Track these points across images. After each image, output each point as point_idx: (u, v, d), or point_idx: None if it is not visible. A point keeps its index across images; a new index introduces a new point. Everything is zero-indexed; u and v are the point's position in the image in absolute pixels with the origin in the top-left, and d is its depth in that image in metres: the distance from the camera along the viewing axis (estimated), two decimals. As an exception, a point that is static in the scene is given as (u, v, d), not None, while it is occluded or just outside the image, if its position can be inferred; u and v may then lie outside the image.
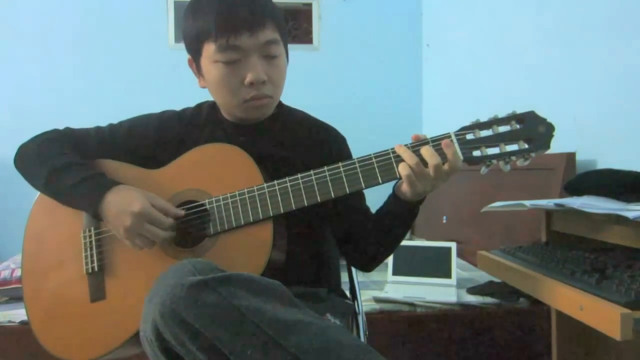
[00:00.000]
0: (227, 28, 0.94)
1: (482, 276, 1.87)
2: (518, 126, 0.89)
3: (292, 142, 1.09)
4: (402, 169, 0.89)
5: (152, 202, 0.95)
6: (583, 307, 0.90)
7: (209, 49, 0.97)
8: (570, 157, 1.73)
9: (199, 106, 1.14)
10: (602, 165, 1.68)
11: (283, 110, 1.11)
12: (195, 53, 1.02)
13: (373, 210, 1.09)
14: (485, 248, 1.40)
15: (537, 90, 2.09)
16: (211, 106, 1.13)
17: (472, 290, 1.77)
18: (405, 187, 0.92)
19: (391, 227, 1.03)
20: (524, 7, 2.22)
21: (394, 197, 0.98)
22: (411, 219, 1.01)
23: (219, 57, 0.97)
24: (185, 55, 1.07)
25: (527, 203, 1.28)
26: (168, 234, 0.96)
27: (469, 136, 0.90)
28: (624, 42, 1.61)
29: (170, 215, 0.97)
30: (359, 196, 1.10)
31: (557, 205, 1.19)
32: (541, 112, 0.90)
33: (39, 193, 1.09)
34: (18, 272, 1.77)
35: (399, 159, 0.90)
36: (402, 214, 0.99)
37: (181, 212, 0.98)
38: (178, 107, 1.16)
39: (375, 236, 1.05)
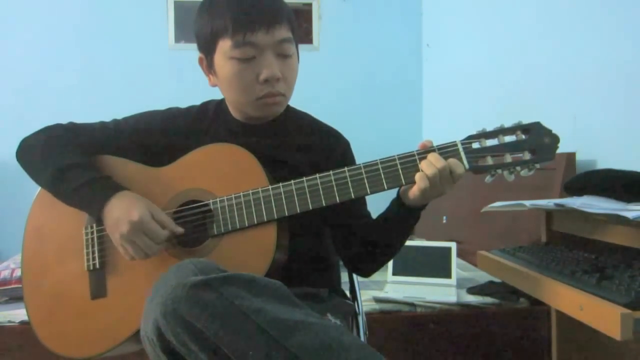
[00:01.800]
0: (244, 24, 0.95)
1: (482, 276, 1.87)
2: (524, 136, 0.90)
3: (297, 144, 1.08)
4: (427, 169, 0.88)
5: (152, 213, 0.94)
6: (583, 307, 0.91)
7: (224, 46, 0.97)
8: (570, 157, 1.73)
9: (206, 104, 1.14)
10: (602, 165, 1.68)
11: (289, 112, 1.11)
12: (208, 50, 1.02)
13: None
14: (485, 248, 1.40)
15: (537, 90, 2.09)
16: (218, 105, 1.12)
17: (472, 290, 1.77)
18: (416, 192, 0.91)
19: (394, 232, 1.03)
20: (523, 6, 2.22)
21: (399, 203, 0.98)
22: (413, 224, 1.01)
23: (235, 54, 0.97)
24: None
25: (527, 203, 1.28)
26: (162, 248, 0.96)
27: (475, 145, 0.90)
28: (624, 42, 1.61)
29: (169, 230, 0.96)
30: (361, 202, 1.10)
31: (557, 205, 1.20)
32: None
33: (40, 187, 1.07)
34: (18, 272, 1.77)
35: (406, 166, 0.90)
36: (406, 219, 0.99)
37: (180, 229, 0.97)
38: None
39: (377, 242, 1.05)
